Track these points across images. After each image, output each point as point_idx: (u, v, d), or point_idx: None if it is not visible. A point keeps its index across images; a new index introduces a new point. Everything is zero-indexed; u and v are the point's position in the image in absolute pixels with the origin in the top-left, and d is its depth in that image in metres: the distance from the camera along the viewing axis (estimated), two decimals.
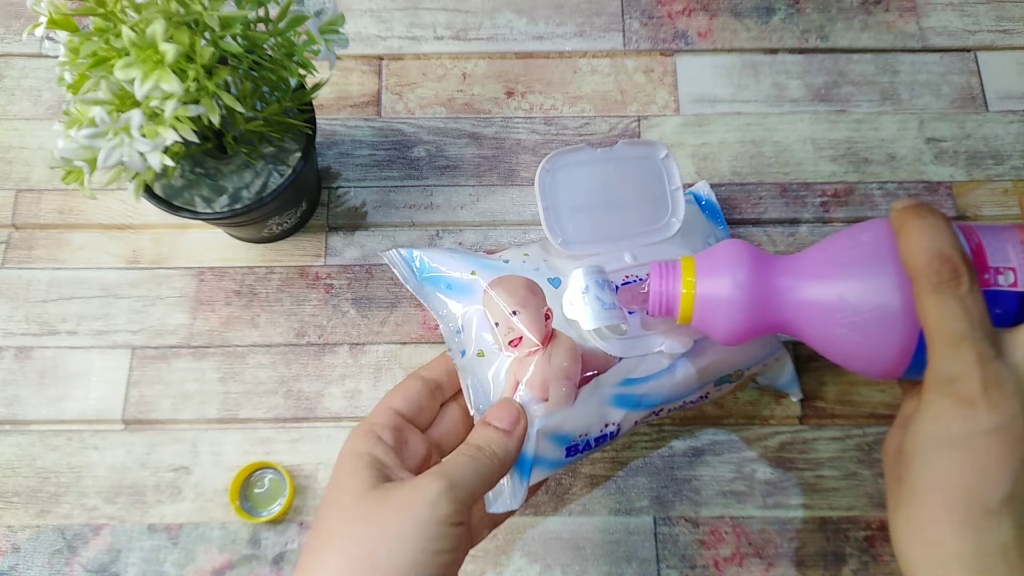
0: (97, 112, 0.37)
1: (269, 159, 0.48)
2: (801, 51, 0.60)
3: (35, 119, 0.58)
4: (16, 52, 0.59)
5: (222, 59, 0.40)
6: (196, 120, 0.39)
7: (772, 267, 0.37)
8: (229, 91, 0.40)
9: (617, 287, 0.43)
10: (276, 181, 0.47)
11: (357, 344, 0.52)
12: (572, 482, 0.50)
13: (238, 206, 0.46)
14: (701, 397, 0.46)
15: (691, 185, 0.54)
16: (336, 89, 0.58)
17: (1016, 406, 0.31)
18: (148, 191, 0.46)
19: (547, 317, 0.41)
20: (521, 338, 0.40)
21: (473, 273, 0.43)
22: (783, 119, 0.58)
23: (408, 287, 0.44)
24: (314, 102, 0.48)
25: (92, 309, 0.53)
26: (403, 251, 0.45)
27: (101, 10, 0.37)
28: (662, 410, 0.44)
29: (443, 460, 0.36)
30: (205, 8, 0.37)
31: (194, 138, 0.38)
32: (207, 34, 0.38)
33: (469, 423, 0.41)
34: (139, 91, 0.35)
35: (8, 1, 0.61)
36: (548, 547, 0.48)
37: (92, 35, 0.37)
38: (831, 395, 0.51)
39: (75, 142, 0.38)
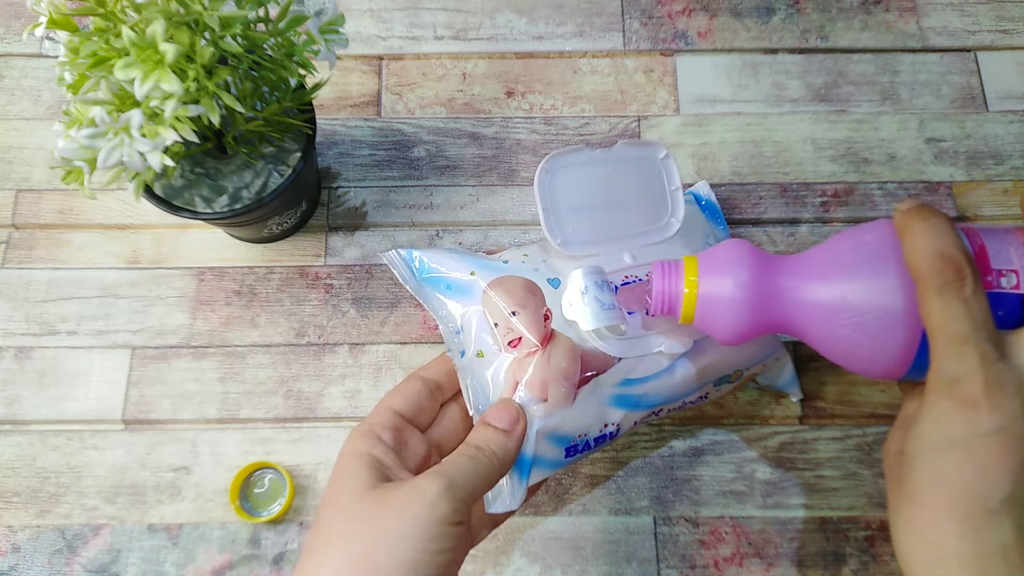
0: (97, 112, 0.37)
1: (269, 159, 0.48)
2: (801, 51, 0.60)
3: (35, 119, 0.58)
4: (16, 52, 0.59)
5: (222, 59, 0.40)
6: (196, 120, 0.39)
7: (774, 267, 0.37)
8: (229, 91, 0.40)
9: (616, 287, 0.43)
10: (276, 181, 0.47)
11: (357, 344, 0.52)
12: (572, 482, 0.50)
13: (238, 206, 0.46)
14: (701, 397, 0.46)
15: (691, 185, 0.54)
16: (336, 89, 0.58)
17: (1017, 408, 0.31)
18: (148, 191, 0.46)
19: (546, 318, 0.41)
20: (520, 338, 0.40)
21: (472, 274, 0.43)
22: (783, 119, 0.58)
23: (407, 288, 0.44)
24: (314, 102, 0.48)
25: (92, 309, 0.53)
26: (402, 252, 0.45)
27: (101, 10, 0.37)
28: (661, 410, 0.44)
29: (443, 460, 0.36)
30: (205, 8, 0.37)
31: (194, 138, 0.38)
32: (207, 34, 0.38)
33: (469, 423, 0.41)
34: (139, 91, 0.35)
35: (8, 1, 0.61)
36: (548, 547, 0.48)
37: (92, 35, 0.37)
38: (831, 395, 0.51)
39: (75, 142, 0.38)
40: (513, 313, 0.41)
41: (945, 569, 0.30)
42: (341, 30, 0.43)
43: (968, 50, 0.60)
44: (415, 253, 0.45)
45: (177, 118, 0.37)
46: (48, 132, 0.57)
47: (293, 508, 0.49)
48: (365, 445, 0.37)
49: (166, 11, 0.36)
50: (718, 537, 0.49)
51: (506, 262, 0.44)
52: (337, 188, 0.56)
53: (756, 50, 0.60)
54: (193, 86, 0.37)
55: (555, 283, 0.43)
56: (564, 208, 0.44)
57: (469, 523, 0.37)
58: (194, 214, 0.46)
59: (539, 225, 0.43)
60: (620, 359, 0.41)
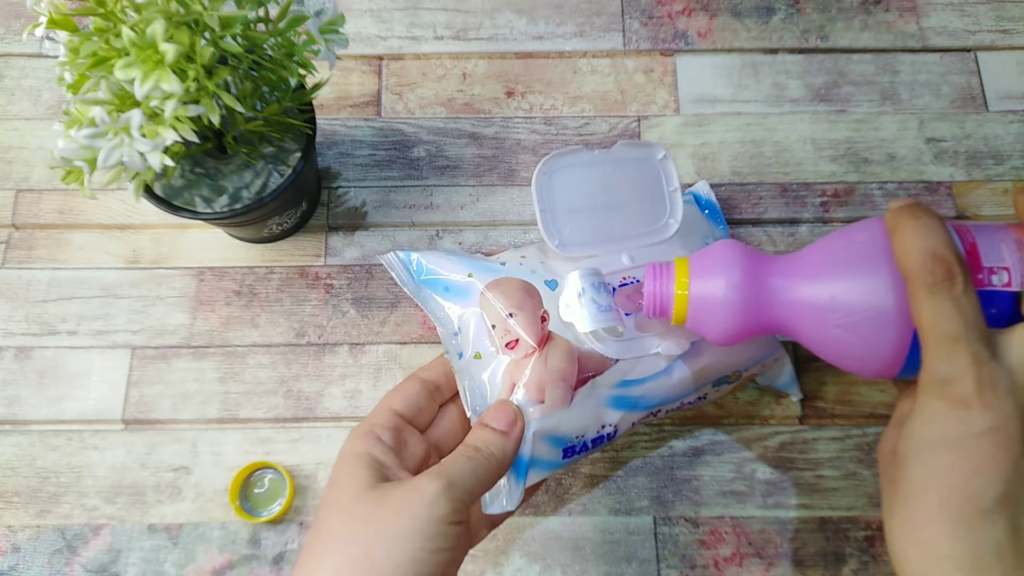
0: (97, 112, 0.37)
1: (269, 159, 0.48)
2: (801, 51, 0.60)
3: (35, 119, 0.58)
4: (16, 52, 0.59)
5: (222, 59, 0.40)
6: (196, 120, 0.39)
7: (766, 267, 0.37)
8: (229, 91, 0.40)
9: (614, 289, 0.43)
10: (276, 181, 0.47)
11: (357, 344, 0.52)
12: (572, 482, 0.50)
13: (238, 206, 0.46)
14: (699, 398, 0.46)
15: (691, 185, 0.54)
16: (336, 89, 0.58)
17: (1010, 407, 0.30)
18: (148, 191, 0.46)
19: (543, 319, 0.41)
20: (518, 340, 0.41)
21: (470, 275, 0.43)
22: (783, 119, 0.58)
23: (406, 290, 0.44)
24: (314, 102, 0.48)
25: (92, 309, 0.53)
26: (401, 254, 0.45)
27: (101, 10, 0.37)
28: (659, 411, 0.44)
29: (441, 461, 0.36)
30: (205, 8, 0.37)
31: (194, 138, 0.38)
32: (207, 34, 0.38)
33: (467, 424, 0.41)
34: (139, 91, 0.35)
35: (8, 1, 0.61)
36: (548, 547, 0.48)
37: (92, 35, 0.37)
38: (831, 395, 0.51)
39: (75, 142, 0.38)
40: (510, 315, 0.41)
41: (940, 569, 0.30)
42: (341, 30, 0.43)
43: (968, 50, 0.60)
44: (413, 255, 0.45)
45: (177, 118, 0.37)
46: (48, 132, 0.57)
47: (293, 508, 0.49)
48: (365, 445, 0.37)
49: (166, 11, 0.36)
50: (718, 537, 0.49)
51: (504, 264, 0.44)
52: (337, 188, 0.56)
53: (756, 50, 0.60)
54: (193, 86, 0.37)
55: (552, 285, 0.43)
56: (562, 209, 0.44)
57: (468, 523, 0.37)
58: (194, 214, 0.46)
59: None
60: (617, 360, 0.41)
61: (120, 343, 0.52)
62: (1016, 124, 0.58)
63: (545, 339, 0.41)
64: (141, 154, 0.38)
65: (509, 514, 0.40)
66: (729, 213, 0.55)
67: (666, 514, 0.49)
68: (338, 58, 0.44)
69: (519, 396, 0.40)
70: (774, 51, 0.60)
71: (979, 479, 0.30)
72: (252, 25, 0.40)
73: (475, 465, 0.36)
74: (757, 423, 0.51)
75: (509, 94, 0.59)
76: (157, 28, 0.35)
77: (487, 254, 0.47)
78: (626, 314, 0.42)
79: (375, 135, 0.57)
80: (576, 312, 0.41)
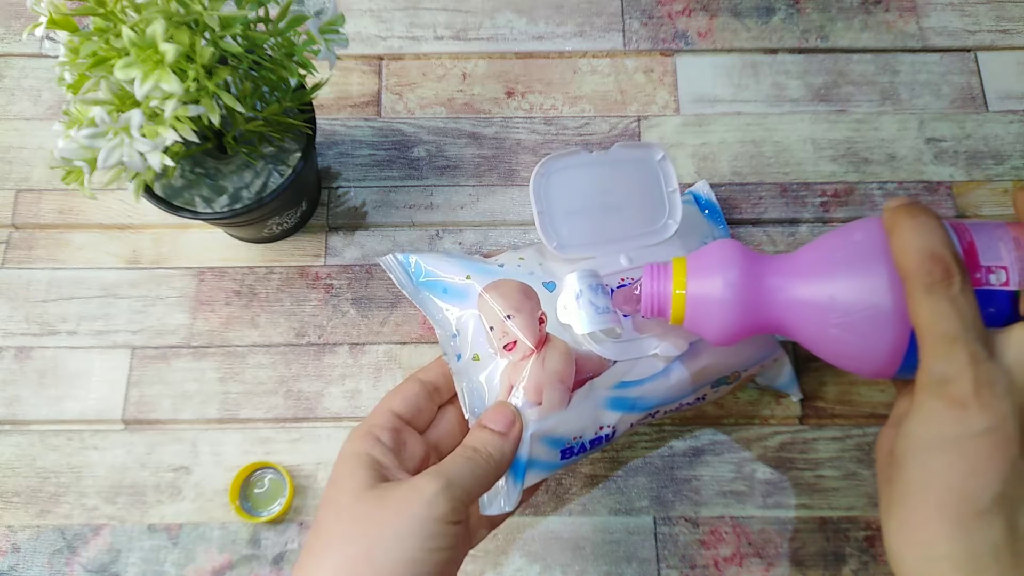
0: (97, 112, 0.37)
1: (269, 159, 0.48)
2: (801, 51, 0.60)
3: (35, 119, 0.58)
4: (16, 52, 0.59)
5: (222, 59, 0.40)
6: (196, 120, 0.39)
7: (764, 267, 0.37)
8: (229, 91, 0.40)
9: (612, 290, 0.43)
10: (276, 181, 0.47)
11: (357, 344, 0.52)
12: (572, 482, 0.50)
13: (238, 206, 0.46)
14: (698, 399, 0.46)
15: (691, 185, 0.54)
16: (336, 89, 0.58)
17: (1007, 407, 0.30)
18: (148, 191, 0.46)
19: (541, 321, 0.41)
20: (516, 342, 0.41)
21: (468, 277, 0.43)
22: (783, 119, 0.58)
23: (404, 292, 0.44)
24: (314, 102, 0.48)
25: (92, 309, 0.53)
26: (399, 256, 0.45)
27: (101, 10, 0.37)
28: (658, 412, 0.44)
29: (441, 461, 0.36)
30: (205, 8, 0.37)
31: (194, 138, 0.38)
32: (207, 34, 0.38)
33: (466, 426, 0.42)
34: (139, 91, 0.35)
35: (8, 1, 0.61)
36: (548, 547, 0.48)
37: (92, 35, 0.37)
38: (831, 395, 0.51)
39: (75, 142, 0.38)
40: (508, 317, 0.41)
41: (937, 570, 0.30)
42: (341, 30, 0.43)
43: (968, 50, 0.60)
44: (412, 257, 0.45)
45: (177, 118, 0.37)
46: (48, 132, 0.57)
47: (293, 508, 0.49)
48: (364, 446, 0.37)
49: (166, 11, 0.36)
50: (718, 537, 0.49)
51: (502, 266, 0.44)
52: (337, 188, 0.56)
53: (756, 50, 0.60)
54: (193, 86, 0.37)
55: (550, 286, 0.43)
56: (560, 211, 0.44)
57: (467, 523, 0.37)
58: (194, 214, 0.46)
59: None
60: (615, 362, 0.41)
61: (120, 343, 0.52)
62: (1016, 124, 0.58)
63: (543, 341, 0.41)
64: (141, 154, 0.38)
65: (508, 514, 0.40)
66: (729, 213, 0.55)
67: (666, 514, 0.49)
68: (338, 58, 0.44)
69: (517, 398, 0.40)
70: (774, 51, 0.60)
71: (976, 479, 0.30)
72: (252, 25, 0.40)
73: (473, 465, 0.36)
74: (757, 423, 0.51)
75: (509, 94, 0.59)
76: (157, 28, 0.35)
77: (486, 255, 0.47)
78: (624, 315, 0.42)
79: (375, 135, 0.57)
80: (574, 314, 0.41)
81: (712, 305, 0.37)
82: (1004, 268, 0.33)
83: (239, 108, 0.40)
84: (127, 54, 0.36)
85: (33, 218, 0.55)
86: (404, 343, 0.52)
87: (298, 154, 0.48)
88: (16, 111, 0.58)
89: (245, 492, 0.49)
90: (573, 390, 0.40)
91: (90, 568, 0.48)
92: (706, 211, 0.52)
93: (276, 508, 0.48)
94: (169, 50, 0.35)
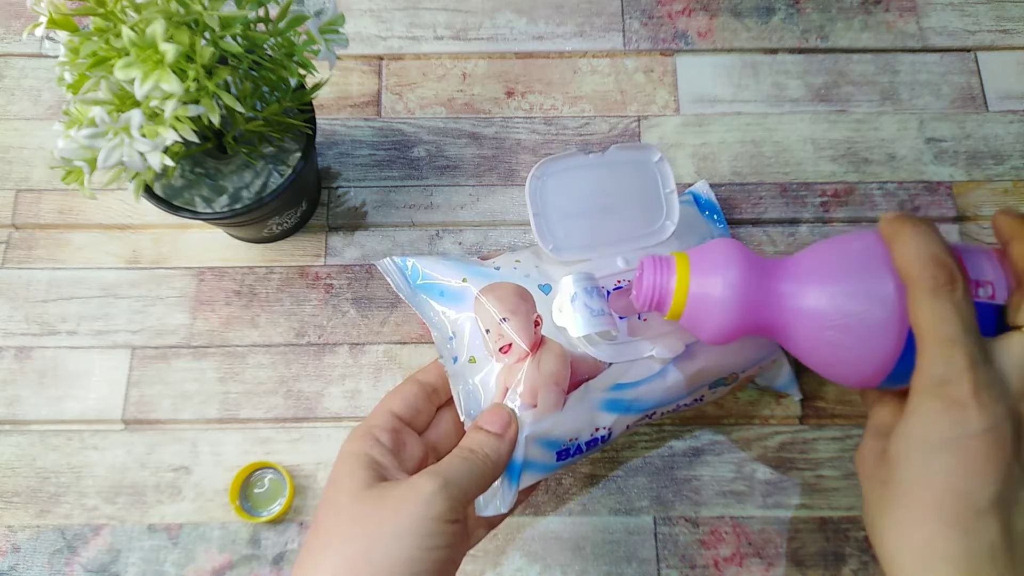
0: (97, 112, 0.37)
1: (269, 159, 0.48)
2: (801, 51, 0.60)
3: (35, 119, 0.58)
4: (16, 52, 0.59)
5: (222, 59, 0.40)
6: (196, 120, 0.39)
7: (765, 268, 0.37)
8: (229, 91, 0.40)
9: (608, 292, 0.43)
10: (276, 181, 0.47)
11: (357, 344, 0.52)
12: (572, 482, 0.50)
13: (238, 206, 0.46)
14: (696, 400, 0.46)
15: (690, 185, 0.54)
16: (336, 89, 0.58)
17: (1002, 410, 0.31)
18: (148, 191, 0.46)
19: (536, 324, 0.41)
20: (511, 345, 0.41)
21: (464, 280, 0.43)
22: (783, 119, 0.58)
23: (401, 295, 0.44)
24: (314, 102, 0.48)
25: (92, 309, 0.53)
26: (396, 259, 0.45)
27: (101, 10, 0.37)
28: (655, 413, 0.44)
29: (438, 462, 0.37)
30: (205, 8, 0.37)
31: (194, 138, 0.38)
32: (207, 34, 0.38)
33: (463, 427, 0.42)
34: (139, 91, 0.35)
35: (8, 1, 0.61)
36: (548, 547, 0.48)
37: (92, 35, 0.37)
38: (831, 395, 0.51)
39: (75, 142, 0.38)
40: (504, 319, 0.41)
41: (935, 570, 0.31)
42: (341, 30, 0.43)
43: (968, 50, 0.60)
44: (409, 260, 0.45)
45: (177, 118, 0.37)
46: (48, 132, 0.57)
47: (293, 508, 0.49)
48: (363, 446, 0.37)
49: (166, 11, 0.36)
50: (718, 537, 0.49)
51: (498, 268, 0.44)
52: (337, 188, 0.56)
53: (756, 50, 0.60)
54: (193, 86, 0.37)
55: (546, 289, 0.43)
56: (556, 213, 0.44)
57: (465, 523, 0.37)
58: (194, 214, 0.46)
59: None
60: (610, 364, 0.41)
61: (120, 343, 0.52)
62: (1016, 124, 0.58)
63: (538, 343, 0.41)
64: (141, 154, 0.38)
65: (506, 515, 0.41)
66: (729, 213, 0.55)
67: (666, 514, 0.49)
68: (338, 58, 0.44)
69: (512, 400, 0.40)
70: (774, 51, 0.60)
71: (975, 479, 0.31)
72: (252, 25, 0.40)
73: (471, 466, 0.36)
74: (757, 423, 0.51)
75: (509, 94, 0.59)
76: (157, 28, 0.35)
77: (483, 257, 0.47)
78: (620, 318, 0.42)
79: (375, 135, 0.57)
80: (569, 317, 0.41)
81: (712, 303, 0.37)
82: (990, 283, 0.35)
83: (239, 108, 0.40)
84: (127, 54, 0.36)
85: (33, 218, 0.55)
86: (404, 343, 0.52)
87: (298, 154, 0.48)
88: (16, 111, 0.58)
89: (245, 492, 0.49)
90: (568, 392, 0.41)
91: (90, 568, 0.48)
92: (706, 211, 0.52)
93: (276, 508, 0.48)
94: (169, 50, 0.35)
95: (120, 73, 0.35)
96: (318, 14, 0.42)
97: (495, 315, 0.41)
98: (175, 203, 0.47)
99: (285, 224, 0.52)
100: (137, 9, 0.37)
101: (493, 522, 0.41)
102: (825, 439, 0.50)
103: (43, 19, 0.39)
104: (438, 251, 0.55)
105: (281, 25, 0.41)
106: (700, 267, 0.38)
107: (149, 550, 0.48)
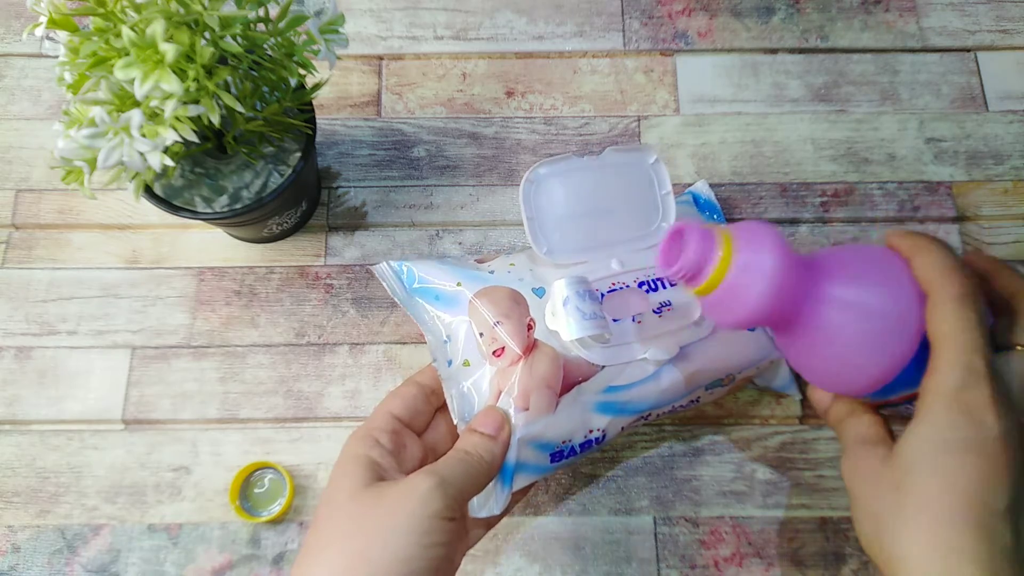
0: (97, 112, 0.37)
1: (269, 159, 0.48)
2: (801, 51, 0.60)
3: (35, 119, 0.58)
4: (16, 52, 0.59)
5: (222, 59, 0.40)
6: (196, 120, 0.39)
7: (799, 259, 0.36)
8: (229, 91, 0.40)
9: (602, 295, 0.43)
10: (276, 181, 0.47)
11: (357, 344, 0.52)
12: (572, 482, 0.50)
13: (238, 206, 0.46)
14: (692, 401, 0.46)
15: (690, 186, 0.54)
16: (336, 89, 0.58)
17: (1012, 419, 0.32)
18: (148, 191, 0.46)
19: (529, 327, 0.41)
20: (504, 348, 0.41)
21: (459, 284, 0.43)
22: (783, 119, 0.58)
23: (396, 299, 0.45)
24: (314, 102, 0.48)
25: (92, 309, 0.53)
26: (393, 263, 0.45)
27: (101, 10, 0.37)
28: (650, 415, 0.44)
29: (433, 464, 0.37)
30: (205, 8, 0.37)
31: (194, 138, 0.38)
32: (207, 34, 0.38)
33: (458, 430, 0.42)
34: (139, 91, 0.35)
35: (8, 1, 0.61)
36: (548, 547, 0.48)
37: (92, 35, 0.37)
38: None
39: (75, 142, 0.38)
40: (497, 323, 0.41)
41: (960, 571, 0.31)
42: (341, 30, 0.43)
43: (968, 50, 0.60)
44: (404, 265, 0.45)
45: (177, 118, 0.37)
46: (48, 132, 0.57)
47: (293, 508, 0.49)
48: (363, 447, 0.38)
49: (166, 11, 0.36)
50: (718, 537, 0.49)
51: (492, 272, 0.44)
52: (337, 188, 0.56)
53: (756, 50, 0.60)
54: (193, 86, 0.37)
55: (540, 292, 0.43)
56: (550, 217, 0.44)
57: (463, 522, 0.37)
58: (194, 214, 0.46)
59: None
60: (603, 367, 0.42)
61: (120, 343, 0.52)
62: (1016, 124, 0.58)
63: (531, 347, 0.41)
64: (141, 154, 0.38)
65: (501, 516, 0.41)
66: (729, 213, 0.55)
67: (666, 514, 0.49)
68: (338, 58, 0.44)
69: (505, 403, 0.40)
70: (774, 51, 0.60)
71: (993, 482, 0.31)
72: (252, 25, 0.40)
73: (466, 466, 0.37)
74: (757, 423, 0.51)
75: (509, 94, 0.59)
76: (157, 28, 0.35)
77: (480, 260, 0.47)
78: (614, 320, 0.43)
79: (375, 135, 0.57)
80: (561, 320, 0.41)
81: (754, 281, 0.35)
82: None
83: (239, 108, 0.40)
84: (127, 54, 0.36)
85: (33, 218, 0.55)
86: (404, 343, 0.52)
87: (298, 154, 0.48)
88: (16, 111, 0.58)
89: (245, 492, 0.49)
90: (561, 395, 0.41)
91: (90, 568, 0.48)
92: (705, 211, 0.52)
93: (276, 508, 0.48)
94: (169, 50, 0.35)
95: (120, 73, 0.35)
96: (318, 14, 0.42)
97: (489, 319, 0.42)
98: (175, 203, 0.47)
99: (285, 224, 0.52)
100: (137, 9, 0.37)
101: (491, 522, 0.41)
102: (825, 439, 0.50)
103: (43, 19, 0.39)
104: (438, 251, 0.55)
105: (281, 25, 0.41)
106: (746, 244, 0.36)
107: (149, 550, 0.48)
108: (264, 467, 0.49)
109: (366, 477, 0.36)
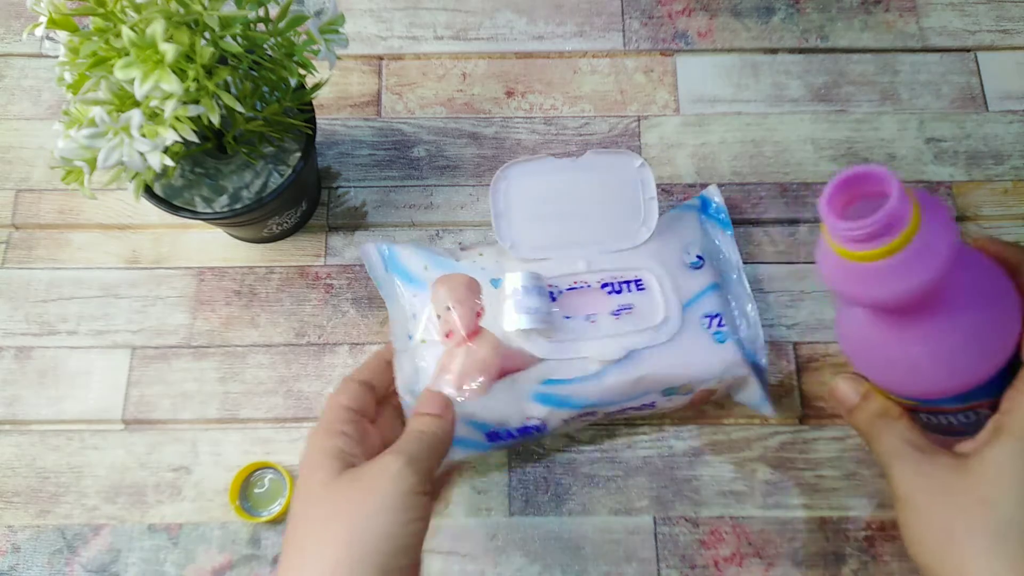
0: (97, 112, 0.37)
1: (269, 159, 0.48)
2: (801, 51, 0.60)
3: (35, 119, 0.58)
4: (16, 52, 0.59)
5: (222, 59, 0.40)
6: (196, 120, 0.39)
7: None
8: (229, 91, 0.40)
9: (561, 291, 0.45)
10: (276, 181, 0.47)
11: (357, 344, 0.52)
12: (572, 482, 0.50)
13: (238, 206, 0.46)
14: (646, 405, 0.47)
15: (691, 186, 0.54)
16: (336, 89, 0.58)
17: None
18: (148, 191, 0.46)
19: (478, 315, 0.44)
20: (453, 331, 0.44)
21: (426, 268, 0.47)
22: (783, 119, 0.58)
23: (372, 276, 0.47)
24: (314, 102, 0.48)
25: (92, 309, 0.53)
26: (381, 246, 0.48)
27: (101, 10, 0.37)
28: (596, 412, 0.46)
29: (395, 445, 0.38)
30: (205, 8, 0.37)
31: (194, 138, 0.38)
32: (207, 34, 0.38)
33: (403, 418, 0.44)
34: (139, 91, 0.35)
35: (8, 1, 0.61)
36: (548, 547, 0.48)
37: (92, 35, 0.37)
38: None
39: (75, 142, 0.38)
40: (448, 308, 0.44)
41: None
42: (341, 30, 0.43)
43: (968, 50, 0.60)
44: (386, 247, 0.48)
45: (177, 118, 0.37)
46: (48, 132, 0.57)
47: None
48: (330, 440, 0.38)
49: (166, 11, 0.36)
50: (718, 537, 0.49)
51: (458, 260, 0.47)
52: (337, 188, 0.56)
53: (756, 50, 0.60)
54: (193, 86, 0.37)
55: (496, 283, 0.45)
56: (520, 214, 0.47)
57: (432, 496, 0.38)
58: (194, 214, 0.46)
59: None
60: (543, 360, 0.44)
61: (120, 343, 0.52)
62: (1016, 124, 0.58)
63: (475, 332, 0.44)
64: (141, 154, 0.38)
65: (451, 481, 0.45)
66: (729, 213, 0.55)
67: (666, 514, 0.49)
68: (338, 58, 0.44)
69: (444, 381, 0.43)
70: (774, 51, 0.60)
71: None
72: (252, 25, 0.40)
73: (425, 444, 0.38)
74: (757, 423, 0.51)
75: (509, 94, 0.59)
76: (157, 28, 0.35)
77: (463, 248, 0.49)
78: (565, 317, 0.45)
79: (375, 135, 0.57)
80: (505, 311, 0.44)
81: (935, 247, 0.31)
82: None
83: (239, 108, 0.40)
84: (127, 54, 0.36)
85: (33, 218, 0.55)
86: None
87: (298, 154, 0.48)
88: (16, 111, 0.58)
89: (245, 492, 0.49)
90: (497, 380, 0.43)
91: (90, 568, 0.48)
92: (714, 218, 0.52)
93: (276, 508, 0.48)
94: (169, 50, 0.35)
95: (120, 73, 0.35)
96: (318, 14, 0.42)
97: (444, 303, 0.45)
98: (175, 203, 0.47)
99: (285, 224, 0.52)
100: (137, 9, 0.37)
101: (445, 498, 0.46)
102: (825, 439, 0.50)
103: (43, 19, 0.39)
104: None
105: (281, 25, 0.41)
106: (931, 208, 0.32)
107: (149, 550, 0.48)
108: (264, 467, 0.49)
109: (336, 467, 0.37)
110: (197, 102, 0.38)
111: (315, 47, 0.42)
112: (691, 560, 0.48)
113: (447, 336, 0.44)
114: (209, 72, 0.38)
